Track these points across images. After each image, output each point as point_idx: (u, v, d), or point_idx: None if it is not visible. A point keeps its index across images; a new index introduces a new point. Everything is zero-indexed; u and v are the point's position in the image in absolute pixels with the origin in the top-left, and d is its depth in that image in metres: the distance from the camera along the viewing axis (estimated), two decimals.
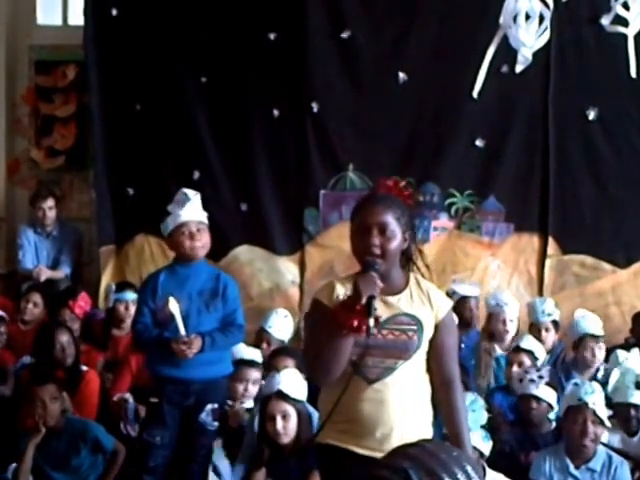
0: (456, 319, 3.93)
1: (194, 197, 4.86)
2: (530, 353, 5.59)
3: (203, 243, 4.84)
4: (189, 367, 4.71)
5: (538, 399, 4.99)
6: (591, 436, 4.49)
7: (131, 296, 6.29)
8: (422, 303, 3.32)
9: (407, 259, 3.38)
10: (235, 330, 4.81)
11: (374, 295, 3.12)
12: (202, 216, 4.87)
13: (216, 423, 4.83)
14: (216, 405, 4.82)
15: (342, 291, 3.27)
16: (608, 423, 4.61)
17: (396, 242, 3.26)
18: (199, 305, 4.78)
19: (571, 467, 4.53)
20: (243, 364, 5.38)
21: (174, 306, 4.65)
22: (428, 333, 3.31)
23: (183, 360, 4.68)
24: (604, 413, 4.55)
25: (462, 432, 3.33)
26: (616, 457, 4.59)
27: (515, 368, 5.48)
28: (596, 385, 4.66)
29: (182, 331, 4.64)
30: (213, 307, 4.79)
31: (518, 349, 5.61)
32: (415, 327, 3.29)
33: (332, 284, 3.34)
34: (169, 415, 4.80)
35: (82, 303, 6.49)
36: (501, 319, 6.19)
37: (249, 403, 5.24)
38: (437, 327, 3.33)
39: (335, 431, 3.29)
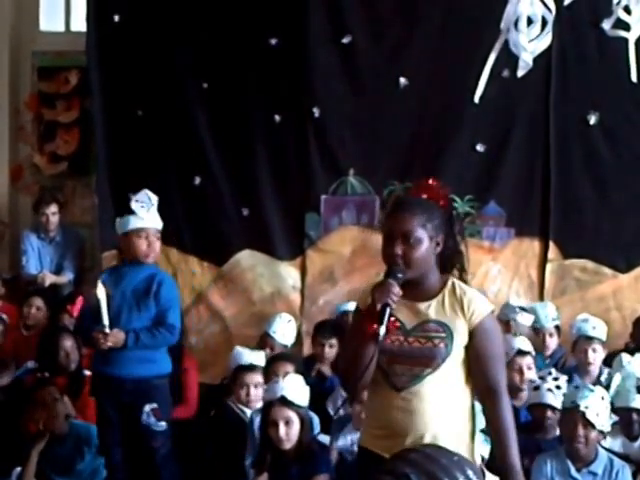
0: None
1: (140, 209, 4.87)
2: (530, 354, 5.53)
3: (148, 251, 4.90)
4: (119, 364, 4.74)
5: (554, 408, 4.88)
6: (580, 439, 4.45)
7: None
8: (453, 309, 3.24)
9: (446, 262, 3.32)
10: (164, 330, 4.80)
11: (388, 303, 3.10)
12: (146, 223, 4.87)
13: (163, 423, 4.81)
14: (155, 405, 4.81)
15: None
16: (604, 427, 4.53)
17: (421, 249, 3.20)
18: (131, 303, 4.81)
19: (572, 470, 4.50)
20: (242, 369, 5.39)
21: (101, 292, 4.69)
22: (460, 340, 3.21)
23: (113, 357, 4.71)
24: (600, 417, 4.48)
25: (505, 442, 3.18)
26: (618, 461, 4.56)
27: (517, 375, 5.38)
28: (598, 389, 4.62)
29: (105, 320, 4.66)
30: (144, 306, 4.81)
31: (521, 352, 5.47)
32: (444, 334, 3.20)
33: (370, 289, 3.28)
34: (110, 412, 4.82)
35: (80, 306, 6.49)
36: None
37: (259, 405, 5.22)
38: (472, 333, 3.22)
39: (371, 436, 3.32)
